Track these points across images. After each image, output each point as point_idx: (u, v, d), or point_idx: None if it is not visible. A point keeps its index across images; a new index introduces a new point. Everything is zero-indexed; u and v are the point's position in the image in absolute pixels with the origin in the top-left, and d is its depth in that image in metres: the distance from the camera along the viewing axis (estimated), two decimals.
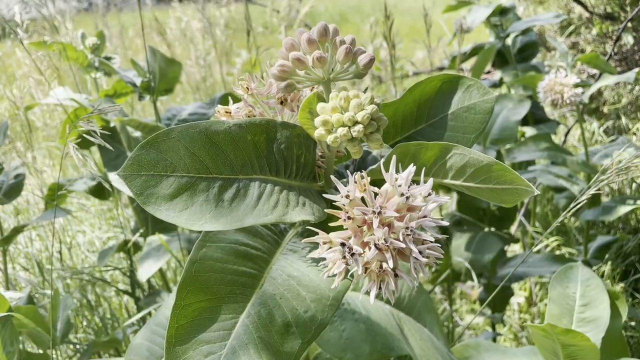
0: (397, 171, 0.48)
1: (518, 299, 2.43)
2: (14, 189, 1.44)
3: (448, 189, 1.98)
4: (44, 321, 1.27)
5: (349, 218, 0.45)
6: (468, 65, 3.13)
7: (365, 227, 0.46)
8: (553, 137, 2.39)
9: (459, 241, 1.88)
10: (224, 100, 1.49)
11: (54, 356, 1.22)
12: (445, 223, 0.46)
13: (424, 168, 0.51)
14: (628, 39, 3.21)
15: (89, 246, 2.48)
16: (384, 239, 0.43)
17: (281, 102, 0.58)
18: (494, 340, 2.01)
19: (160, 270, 1.72)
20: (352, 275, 0.49)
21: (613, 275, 2.31)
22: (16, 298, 1.30)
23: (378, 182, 0.53)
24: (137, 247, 1.68)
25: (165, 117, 1.53)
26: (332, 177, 0.47)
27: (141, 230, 1.60)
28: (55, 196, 1.25)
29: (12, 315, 1.06)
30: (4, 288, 1.57)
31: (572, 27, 3.54)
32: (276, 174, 0.55)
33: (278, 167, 0.55)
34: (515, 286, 2.44)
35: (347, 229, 0.47)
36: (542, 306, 2.40)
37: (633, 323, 2.03)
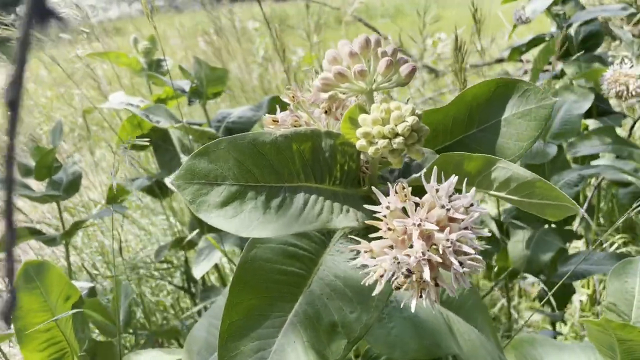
0: (439, 181, 0.48)
1: (580, 296, 2.35)
2: (72, 185, 1.53)
3: None
4: (107, 311, 1.35)
5: (389, 229, 0.46)
6: (529, 56, 3.02)
7: (406, 237, 0.47)
8: (619, 130, 2.28)
9: (517, 237, 1.84)
10: (271, 104, 1.52)
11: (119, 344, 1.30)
12: (487, 233, 0.46)
13: (468, 178, 0.51)
14: None
15: (147, 241, 2.59)
16: (422, 252, 0.44)
17: (325, 112, 0.59)
18: (555, 338, 1.95)
19: (216, 266, 1.78)
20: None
21: None
22: (86, 287, 1.39)
23: (422, 189, 0.53)
24: (191, 244, 1.75)
25: (215, 119, 1.57)
26: (374, 188, 0.49)
27: (197, 230, 1.67)
28: (112, 194, 1.32)
29: (83, 304, 1.14)
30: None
31: (639, 15, 3.34)
32: (320, 182, 0.56)
33: (322, 174, 0.56)
34: (577, 284, 2.35)
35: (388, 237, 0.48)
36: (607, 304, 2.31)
37: None
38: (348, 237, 0.68)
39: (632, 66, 1.59)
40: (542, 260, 1.66)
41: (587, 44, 2.23)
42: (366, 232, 0.62)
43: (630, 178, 1.93)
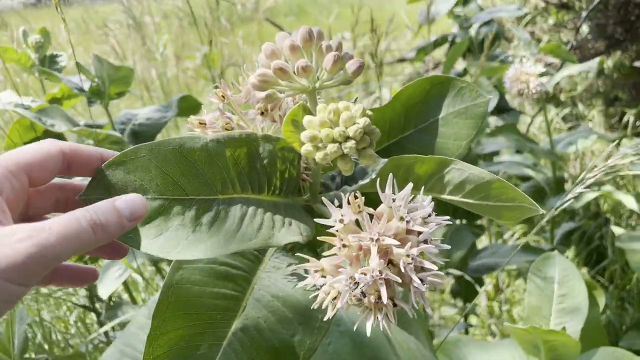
0: (392, 187, 0.44)
1: (486, 286, 2.46)
2: None
3: None
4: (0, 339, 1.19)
5: (344, 246, 0.41)
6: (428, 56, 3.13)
7: (361, 254, 0.42)
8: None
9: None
10: (182, 103, 1.42)
11: None
12: (448, 247, 0.43)
13: (418, 182, 0.48)
14: (582, 28, 3.27)
15: None
16: (380, 271, 0.39)
17: (262, 113, 0.53)
18: (467, 330, 2.02)
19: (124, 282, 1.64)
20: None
21: (577, 261, 2.36)
22: None
23: (367, 196, 0.49)
24: (94, 257, 1.60)
25: (119, 121, 1.43)
26: (325, 200, 0.43)
27: None
28: None
29: None
30: None
31: (528, 17, 3.58)
32: (259, 192, 0.50)
33: (261, 184, 0.50)
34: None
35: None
36: (509, 292, 2.44)
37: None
38: (284, 251, 0.62)
39: (532, 65, 1.67)
40: (458, 256, 1.71)
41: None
42: (307, 245, 0.57)
43: (530, 172, 2.04)
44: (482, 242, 2.64)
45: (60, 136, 1.35)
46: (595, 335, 1.21)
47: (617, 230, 2.05)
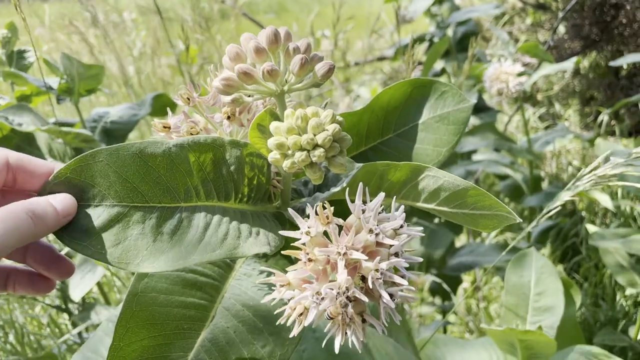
0: (363, 196, 0.42)
1: (464, 284, 2.47)
2: None
3: None
4: None
5: (310, 260, 0.39)
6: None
7: (328, 268, 0.40)
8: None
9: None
10: (157, 102, 1.38)
11: None
12: (419, 259, 0.41)
13: (392, 190, 0.46)
14: (559, 28, 3.30)
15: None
16: (346, 287, 0.37)
17: (228, 117, 0.50)
18: (445, 328, 2.03)
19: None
20: None
21: (553, 258, 2.38)
22: None
23: (341, 202, 0.47)
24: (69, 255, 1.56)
25: (91, 119, 1.39)
26: (292, 211, 0.41)
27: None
28: None
29: None
30: None
31: (506, 17, 3.61)
32: (225, 199, 0.47)
33: (227, 191, 0.48)
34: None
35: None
36: (486, 290, 2.45)
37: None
38: (256, 258, 0.60)
39: (511, 64, 1.67)
40: (437, 255, 1.70)
41: (464, 43, 2.34)
42: (280, 252, 0.55)
43: (508, 171, 2.05)
44: (461, 240, 2.65)
45: (29, 134, 1.30)
46: (571, 333, 1.21)
47: (591, 228, 2.07)
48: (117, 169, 0.44)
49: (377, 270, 0.38)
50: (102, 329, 0.88)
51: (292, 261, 0.58)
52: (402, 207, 0.42)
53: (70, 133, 1.18)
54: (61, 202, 0.42)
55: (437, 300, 2.14)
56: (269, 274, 0.58)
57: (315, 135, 0.41)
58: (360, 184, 0.41)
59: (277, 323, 0.43)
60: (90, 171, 0.44)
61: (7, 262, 0.51)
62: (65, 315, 1.89)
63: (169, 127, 0.52)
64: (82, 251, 0.44)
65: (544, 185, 2.66)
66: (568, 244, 2.38)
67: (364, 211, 0.40)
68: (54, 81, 1.36)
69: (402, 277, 0.39)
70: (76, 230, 0.44)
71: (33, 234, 0.41)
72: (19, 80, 1.31)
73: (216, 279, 0.57)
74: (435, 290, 2.02)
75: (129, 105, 1.41)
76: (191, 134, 0.51)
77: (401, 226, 0.40)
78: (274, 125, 0.43)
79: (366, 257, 0.38)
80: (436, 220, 1.91)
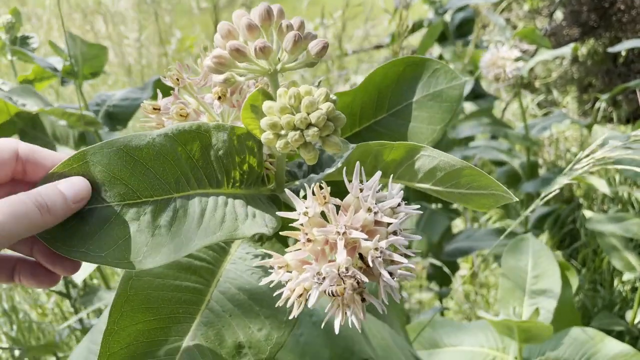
0: (360, 176, 0.41)
1: (461, 271, 2.47)
2: None
3: None
4: None
5: (308, 241, 0.38)
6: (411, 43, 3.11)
7: (327, 248, 0.39)
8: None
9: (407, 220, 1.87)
10: (158, 86, 1.37)
11: None
12: (419, 237, 0.40)
13: (388, 169, 0.45)
14: (557, 15, 3.28)
15: None
16: (346, 268, 0.36)
17: (219, 98, 0.49)
18: (442, 313, 2.03)
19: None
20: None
21: (551, 244, 2.38)
22: None
23: (335, 183, 0.46)
24: None
25: (94, 102, 1.39)
26: (289, 191, 0.40)
27: None
28: None
29: None
30: None
31: (504, 4, 3.59)
32: (217, 186, 0.47)
33: (219, 177, 0.47)
34: (459, 259, 2.47)
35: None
36: (484, 277, 2.46)
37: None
38: (252, 241, 0.59)
39: (508, 50, 1.66)
40: (433, 240, 1.70)
41: (462, 30, 2.32)
42: (276, 235, 0.54)
43: (504, 157, 2.04)
44: (458, 226, 2.65)
45: (34, 117, 1.29)
46: (568, 315, 1.22)
47: (588, 213, 2.07)
48: (104, 167, 0.43)
49: (376, 249, 0.37)
50: (102, 319, 0.87)
51: (287, 245, 0.57)
52: (399, 185, 0.41)
53: (74, 114, 1.17)
54: (72, 188, 0.42)
55: (435, 287, 2.14)
56: (265, 257, 0.58)
57: (308, 114, 0.40)
58: (357, 162, 0.40)
59: (275, 305, 0.43)
60: (77, 173, 0.43)
61: (14, 253, 0.50)
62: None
63: (159, 109, 0.51)
64: (81, 258, 0.42)
65: (541, 172, 2.65)
66: (566, 230, 2.39)
67: (361, 190, 0.39)
68: (58, 62, 1.36)
69: (402, 255, 0.39)
70: (71, 237, 0.42)
71: (41, 225, 0.40)
72: (26, 57, 1.30)
73: (211, 262, 0.56)
74: (432, 276, 2.03)
75: (131, 89, 1.40)
76: (181, 115, 0.50)
77: (398, 204, 0.40)
78: (266, 104, 0.42)
79: (365, 236, 0.38)
80: (433, 206, 1.91)
